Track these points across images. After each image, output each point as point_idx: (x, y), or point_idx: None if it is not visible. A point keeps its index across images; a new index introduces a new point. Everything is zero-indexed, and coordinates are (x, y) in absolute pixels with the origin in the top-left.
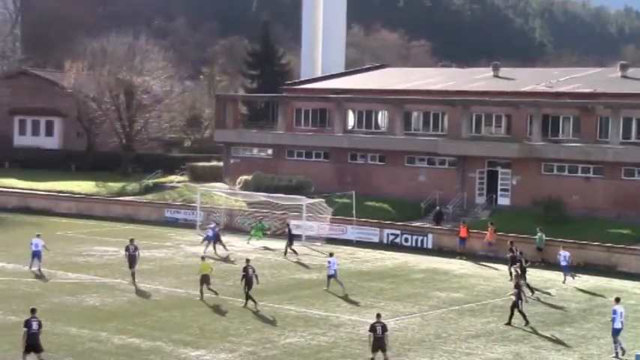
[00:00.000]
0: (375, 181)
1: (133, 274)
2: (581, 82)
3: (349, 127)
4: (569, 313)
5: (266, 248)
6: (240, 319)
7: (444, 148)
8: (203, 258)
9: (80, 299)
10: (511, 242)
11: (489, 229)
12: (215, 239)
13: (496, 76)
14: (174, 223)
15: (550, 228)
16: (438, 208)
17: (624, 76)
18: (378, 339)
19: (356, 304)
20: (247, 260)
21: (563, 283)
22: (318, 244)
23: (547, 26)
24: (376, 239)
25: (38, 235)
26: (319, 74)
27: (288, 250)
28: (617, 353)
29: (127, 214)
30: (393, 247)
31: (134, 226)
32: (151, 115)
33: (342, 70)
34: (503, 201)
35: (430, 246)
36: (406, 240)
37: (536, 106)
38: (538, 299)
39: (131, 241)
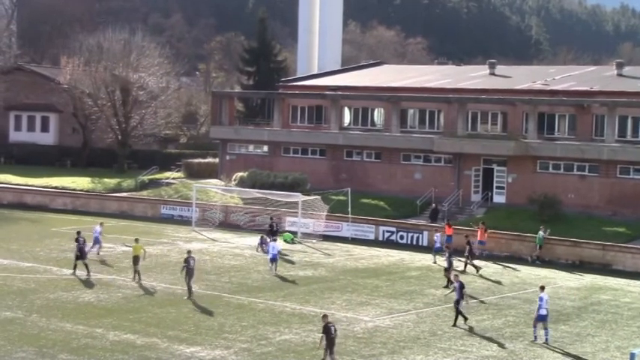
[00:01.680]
0: (371, 179)
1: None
2: (577, 80)
3: (345, 124)
4: (563, 311)
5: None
6: (235, 316)
7: (439, 145)
8: (137, 240)
9: (75, 295)
10: (466, 236)
11: (480, 228)
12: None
13: (492, 73)
14: (169, 220)
15: (545, 226)
16: (433, 205)
17: (620, 75)
18: (332, 339)
19: (351, 301)
20: (189, 251)
21: (434, 263)
22: (314, 241)
23: (543, 24)
24: (372, 236)
25: (101, 224)
26: (315, 71)
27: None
28: (536, 338)
29: (122, 210)
30: (388, 244)
31: (130, 222)
32: (146, 112)
33: (339, 67)
34: (499, 199)
35: (426, 243)
36: (402, 237)
37: (532, 104)
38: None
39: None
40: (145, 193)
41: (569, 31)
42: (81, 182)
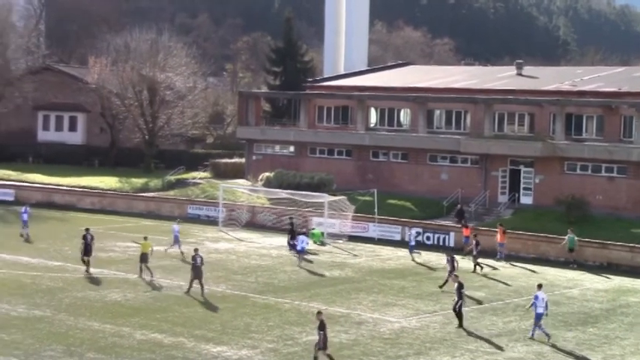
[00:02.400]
0: (397, 179)
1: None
2: (605, 81)
3: (371, 125)
4: (592, 313)
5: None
6: (261, 316)
7: (466, 146)
8: (145, 237)
9: (103, 294)
10: (475, 235)
11: (499, 229)
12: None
13: (519, 74)
14: (196, 220)
15: (573, 227)
16: (459, 206)
17: None
18: (325, 335)
19: (377, 301)
20: (196, 250)
21: (413, 261)
22: (340, 241)
23: (571, 24)
24: (398, 237)
25: (178, 221)
26: (342, 71)
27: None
28: (533, 335)
29: (149, 210)
30: (416, 245)
31: (157, 222)
32: (173, 112)
33: (365, 67)
34: (526, 200)
35: (452, 244)
36: (428, 238)
37: (560, 104)
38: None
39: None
40: (171, 193)
41: (597, 32)
42: (108, 182)
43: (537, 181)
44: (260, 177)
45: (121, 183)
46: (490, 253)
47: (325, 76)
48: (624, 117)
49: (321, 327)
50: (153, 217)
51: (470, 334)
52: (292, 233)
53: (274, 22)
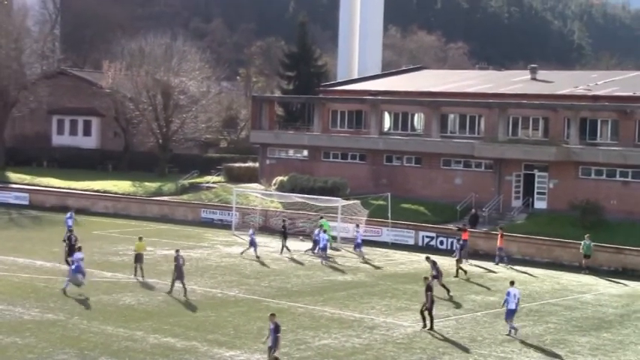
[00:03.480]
0: (411, 184)
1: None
2: (620, 86)
3: (385, 129)
4: (606, 319)
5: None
6: None
7: (480, 150)
8: (140, 238)
9: (116, 298)
10: (463, 231)
11: (499, 234)
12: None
13: (534, 78)
14: (210, 224)
15: (587, 232)
16: (473, 211)
17: None
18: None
19: (390, 306)
20: (177, 250)
21: (362, 261)
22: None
23: (586, 29)
24: (411, 241)
25: (253, 225)
26: (355, 76)
27: (284, 247)
28: (510, 332)
29: (163, 214)
30: (428, 249)
31: (170, 226)
32: (187, 116)
33: (379, 71)
34: (540, 204)
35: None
36: (441, 243)
37: (574, 109)
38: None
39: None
40: (185, 197)
41: (612, 36)
42: (122, 186)
43: (551, 185)
44: (273, 181)
45: (135, 187)
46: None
47: (339, 80)
48: (639, 121)
49: (277, 329)
50: (166, 221)
51: (484, 339)
52: (285, 235)
53: (288, 26)
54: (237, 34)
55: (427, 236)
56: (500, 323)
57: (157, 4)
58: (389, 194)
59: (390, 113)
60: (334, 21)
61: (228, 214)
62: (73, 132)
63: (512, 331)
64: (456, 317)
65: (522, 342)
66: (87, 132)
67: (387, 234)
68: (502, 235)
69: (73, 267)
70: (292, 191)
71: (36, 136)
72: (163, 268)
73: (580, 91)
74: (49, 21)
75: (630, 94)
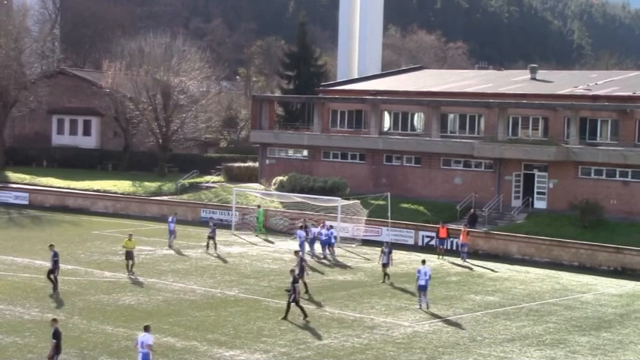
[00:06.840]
0: (411, 183)
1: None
2: (619, 85)
3: (385, 129)
4: (605, 318)
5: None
6: (274, 320)
7: (480, 150)
8: (130, 235)
9: (116, 298)
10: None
11: (463, 230)
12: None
13: (533, 78)
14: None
15: (587, 232)
16: (472, 210)
17: None
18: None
19: (390, 306)
20: (51, 245)
21: (325, 257)
22: (353, 245)
23: (586, 28)
24: (411, 241)
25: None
26: (355, 75)
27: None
28: (420, 305)
29: (162, 213)
30: (428, 249)
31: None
32: (187, 116)
33: (379, 71)
34: (540, 204)
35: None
36: (441, 242)
37: (574, 109)
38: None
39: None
40: (185, 197)
41: (611, 36)
42: (122, 185)
43: (551, 185)
44: (273, 181)
45: (135, 187)
46: (501, 257)
47: (339, 80)
48: (639, 121)
49: (55, 335)
50: (166, 220)
51: (483, 339)
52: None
53: (288, 26)
54: (236, 34)
55: (427, 236)
56: (500, 323)
57: (157, 4)
58: (389, 194)
59: (389, 113)
60: (334, 21)
61: (228, 213)
62: (73, 132)
63: (424, 305)
64: (455, 317)
65: (522, 342)
66: (87, 132)
67: (386, 233)
68: (467, 232)
69: None
70: (292, 191)
71: (36, 135)
72: (163, 267)
73: (580, 90)
74: (49, 20)
75: (630, 93)
